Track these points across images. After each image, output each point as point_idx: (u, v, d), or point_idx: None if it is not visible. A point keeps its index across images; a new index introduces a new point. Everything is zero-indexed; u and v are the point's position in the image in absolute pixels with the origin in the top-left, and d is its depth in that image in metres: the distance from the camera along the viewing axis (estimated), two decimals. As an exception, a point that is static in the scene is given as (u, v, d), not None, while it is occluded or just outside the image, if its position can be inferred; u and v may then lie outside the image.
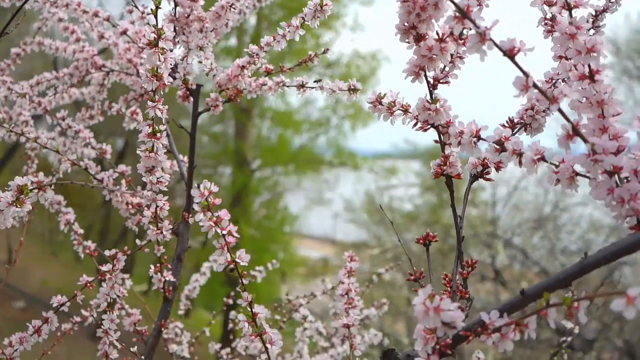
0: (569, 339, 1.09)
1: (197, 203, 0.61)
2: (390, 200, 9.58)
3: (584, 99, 0.55)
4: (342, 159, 11.74)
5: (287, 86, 0.98)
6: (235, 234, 0.63)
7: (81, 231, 1.09)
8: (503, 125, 0.69)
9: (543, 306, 0.48)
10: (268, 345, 0.64)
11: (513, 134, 0.68)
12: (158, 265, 0.96)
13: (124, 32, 1.06)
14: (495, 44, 0.51)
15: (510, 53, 0.51)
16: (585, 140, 0.51)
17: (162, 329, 0.99)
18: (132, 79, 1.16)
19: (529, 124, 0.68)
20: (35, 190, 0.67)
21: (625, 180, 0.52)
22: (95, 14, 1.09)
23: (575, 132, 0.52)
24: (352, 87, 0.83)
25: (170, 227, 0.90)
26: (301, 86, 0.96)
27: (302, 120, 12.24)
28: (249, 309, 0.65)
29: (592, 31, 0.72)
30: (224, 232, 0.62)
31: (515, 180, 7.07)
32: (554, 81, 0.69)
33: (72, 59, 1.24)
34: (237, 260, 0.63)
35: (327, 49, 1.01)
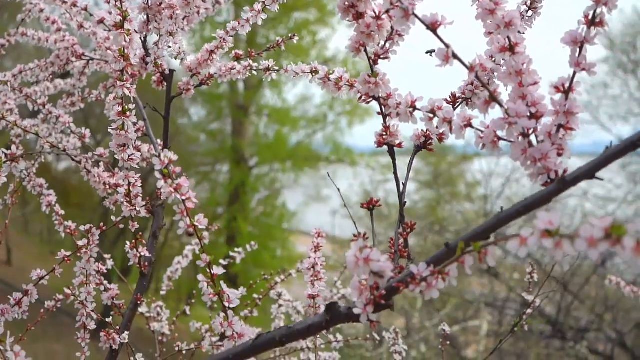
0: (529, 310, 1.14)
1: (157, 170, 0.66)
2: (386, 195, 9.62)
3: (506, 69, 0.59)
4: (339, 155, 11.78)
5: (255, 70, 1.03)
6: (195, 200, 0.68)
7: (62, 212, 1.14)
8: (445, 100, 0.74)
9: (460, 254, 0.53)
10: (226, 304, 0.69)
11: (454, 108, 0.73)
12: (134, 241, 1.01)
13: (101, 21, 1.10)
14: (419, 18, 0.56)
15: (433, 27, 0.56)
16: (501, 106, 0.56)
17: (139, 303, 1.04)
18: (111, 67, 1.21)
19: (469, 98, 0.73)
20: (9, 162, 0.72)
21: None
22: (74, 4, 1.14)
23: (492, 98, 0.57)
24: (313, 69, 0.88)
25: (144, 204, 0.95)
26: (267, 69, 1.01)
27: (299, 117, 12.28)
28: (208, 270, 0.70)
29: (530, 12, 0.77)
30: (184, 197, 0.67)
31: (509, 172, 7.13)
32: (493, 58, 0.74)
33: (54, 49, 1.29)
34: (195, 224, 0.68)
35: (294, 35, 1.06)
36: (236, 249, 1.46)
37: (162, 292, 1.47)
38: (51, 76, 1.25)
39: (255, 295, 1.35)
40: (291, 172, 12.34)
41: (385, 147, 0.74)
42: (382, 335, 1.31)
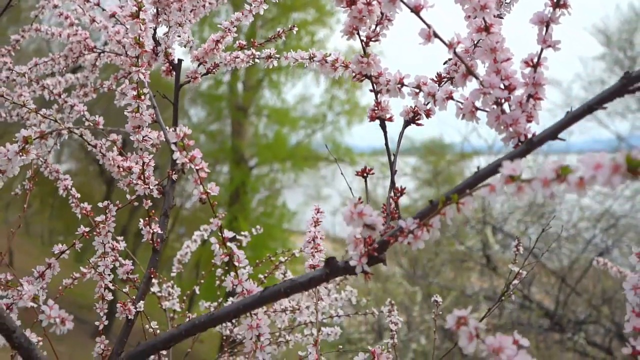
0: (516, 281, 1.22)
1: (173, 143, 0.73)
2: (385, 192, 9.67)
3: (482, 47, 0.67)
4: (339, 155, 11.85)
5: (258, 58, 1.10)
6: (207, 169, 0.75)
7: (78, 195, 1.22)
8: (432, 79, 0.81)
9: (441, 207, 0.60)
10: (236, 263, 0.77)
11: (440, 86, 0.81)
12: (147, 219, 1.09)
13: (113, 15, 1.18)
14: (404, 2, 0.63)
15: (416, 9, 0.64)
16: (477, 78, 0.64)
17: (152, 277, 1.12)
18: (121, 59, 1.29)
19: (453, 77, 0.81)
20: (38, 139, 0.79)
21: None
22: (86, 0, 1.22)
23: (469, 72, 0.64)
24: (312, 55, 0.96)
25: (156, 182, 1.03)
26: (269, 57, 1.08)
27: (298, 117, 12.35)
28: (220, 234, 0.78)
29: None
30: (197, 167, 0.75)
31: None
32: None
33: (66, 42, 1.36)
34: (208, 191, 0.76)
35: (294, 26, 1.13)
36: (242, 232, 1.53)
37: (172, 274, 1.54)
38: (64, 69, 1.33)
39: (260, 275, 1.42)
40: (291, 172, 12.41)
41: (383, 144, 0.82)
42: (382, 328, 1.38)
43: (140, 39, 0.85)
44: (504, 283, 1.29)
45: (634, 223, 7.89)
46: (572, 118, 0.59)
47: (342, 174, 1.00)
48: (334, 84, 11.82)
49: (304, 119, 12.34)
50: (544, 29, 0.65)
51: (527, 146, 0.60)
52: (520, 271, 1.18)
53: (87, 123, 1.21)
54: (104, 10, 1.22)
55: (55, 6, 1.33)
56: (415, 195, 10.38)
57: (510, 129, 0.63)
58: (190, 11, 1.10)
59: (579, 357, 6.16)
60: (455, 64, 0.81)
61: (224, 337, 1.51)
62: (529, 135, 0.63)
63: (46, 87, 1.25)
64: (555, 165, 0.46)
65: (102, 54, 1.32)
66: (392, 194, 0.76)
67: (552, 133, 0.60)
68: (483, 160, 8.55)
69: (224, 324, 1.60)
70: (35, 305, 0.76)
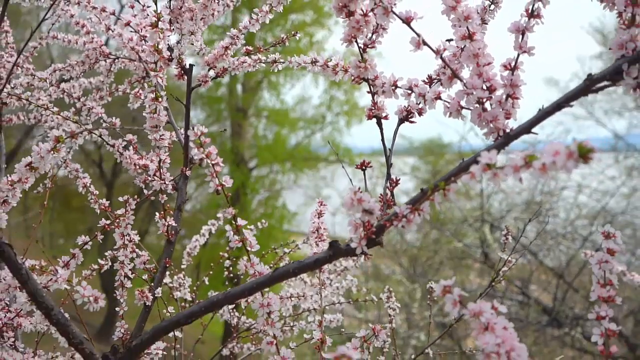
0: (505, 268, 1.30)
1: (192, 141, 0.82)
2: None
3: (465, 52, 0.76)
4: (338, 155, 11.93)
5: (264, 63, 1.19)
6: (221, 164, 0.84)
7: (96, 192, 1.31)
8: (423, 81, 0.90)
9: (430, 193, 0.69)
10: (248, 248, 0.86)
11: (430, 87, 0.89)
12: (162, 212, 1.18)
13: (127, 24, 1.27)
14: (396, 14, 0.72)
15: (407, 20, 0.73)
16: (461, 80, 0.73)
17: (167, 266, 1.20)
18: (134, 64, 1.38)
19: (441, 79, 0.89)
20: (69, 139, 0.88)
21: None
22: (103, 10, 1.31)
23: (454, 75, 0.73)
24: (314, 60, 1.05)
25: (172, 178, 1.12)
26: (274, 62, 1.17)
27: (297, 118, 12.44)
28: (233, 222, 0.86)
29: (492, 6, 0.94)
30: (213, 162, 0.84)
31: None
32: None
33: (82, 49, 1.45)
34: (223, 183, 0.84)
35: (296, 32, 1.22)
36: (248, 226, 1.61)
37: (182, 266, 1.63)
38: (81, 74, 1.42)
39: (265, 266, 1.51)
40: (291, 172, 12.49)
41: (382, 147, 0.91)
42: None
43: (159, 46, 0.94)
44: (503, 280, 1.37)
45: (630, 220, 7.98)
46: (544, 114, 0.68)
47: (344, 168, 1.08)
48: (332, 85, 11.91)
49: (303, 120, 12.43)
50: (520, 36, 0.74)
51: (504, 139, 0.69)
52: (510, 259, 1.27)
53: (104, 124, 1.30)
54: (119, 19, 1.30)
55: (72, 15, 1.42)
56: (414, 195, 10.43)
57: (491, 125, 0.72)
58: (201, 19, 1.19)
59: (577, 352, 6.25)
60: (444, 68, 0.90)
61: (232, 326, 1.60)
62: (508, 131, 0.72)
63: (66, 90, 1.34)
64: (524, 154, 0.55)
65: (116, 60, 1.41)
66: (388, 184, 0.85)
67: (526, 128, 0.69)
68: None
69: (231, 315, 1.69)
70: (68, 287, 0.85)
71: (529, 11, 0.74)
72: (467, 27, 0.75)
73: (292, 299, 1.30)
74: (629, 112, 9.14)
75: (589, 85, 0.66)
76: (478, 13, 0.83)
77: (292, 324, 1.45)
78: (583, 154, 0.50)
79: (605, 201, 7.94)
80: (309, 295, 1.32)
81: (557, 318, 6.28)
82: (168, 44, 1.19)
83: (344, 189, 11.75)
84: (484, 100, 0.73)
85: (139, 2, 1.17)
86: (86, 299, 0.81)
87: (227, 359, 1.67)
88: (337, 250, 0.79)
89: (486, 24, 0.91)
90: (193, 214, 11.12)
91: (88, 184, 1.32)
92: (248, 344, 1.54)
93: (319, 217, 1.17)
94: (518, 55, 0.74)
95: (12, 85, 1.41)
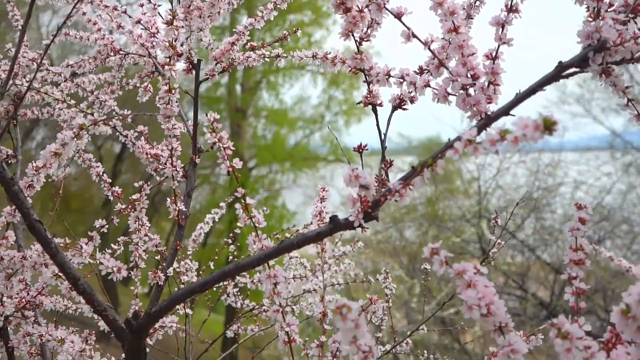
0: (494, 250, 1.39)
1: (205, 126, 0.90)
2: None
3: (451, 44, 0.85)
4: (337, 155, 12.02)
5: (267, 57, 1.28)
6: (232, 148, 0.92)
7: (109, 180, 1.39)
8: (415, 71, 0.98)
9: (420, 169, 0.77)
10: (257, 224, 0.94)
11: (421, 76, 0.98)
12: (173, 197, 1.26)
13: (138, 22, 1.35)
14: (388, 10, 0.81)
15: (399, 16, 0.81)
16: (447, 69, 0.81)
17: (177, 248, 1.29)
18: (144, 60, 1.46)
19: (430, 68, 0.98)
20: (92, 125, 0.96)
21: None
22: (115, 8, 1.39)
23: (440, 64, 0.82)
24: (314, 54, 1.13)
25: (182, 165, 1.20)
26: (277, 56, 1.25)
27: (296, 118, 12.53)
28: (243, 201, 0.95)
29: (477, 2, 1.02)
30: (225, 146, 0.92)
31: (499, 163, 7.39)
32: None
33: (93, 46, 1.53)
34: (233, 165, 0.93)
35: (297, 29, 1.31)
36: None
37: (188, 252, 1.71)
38: (93, 69, 1.50)
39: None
40: (290, 172, 12.57)
41: (377, 131, 0.99)
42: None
43: (173, 42, 1.02)
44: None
45: (627, 217, 8.08)
46: (520, 98, 0.76)
47: (348, 161, 1.16)
48: (331, 85, 11.99)
49: (302, 120, 12.52)
50: (500, 29, 0.82)
51: (485, 121, 0.77)
52: (499, 241, 1.35)
53: (116, 116, 1.38)
54: (130, 17, 1.38)
55: (84, 13, 1.50)
56: (415, 193, 10.54)
57: (474, 109, 0.80)
58: (208, 16, 1.27)
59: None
60: (432, 58, 0.98)
61: (236, 309, 1.68)
62: (489, 113, 0.80)
63: (80, 84, 1.42)
64: (499, 130, 0.63)
65: (126, 56, 1.49)
66: (383, 165, 0.93)
67: (505, 111, 0.77)
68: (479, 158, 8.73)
69: (235, 299, 1.78)
70: (92, 261, 0.93)
71: (508, 6, 0.82)
72: (453, 22, 0.83)
73: (295, 279, 1.38)
74: (626, 109, 9.21)
75: (560, 72, 0.74)
76: (464, 9, 0.91)
77: (293, 306, 1.53)
78: (548, 126, 0.58)
79: (601, 197, 8.03)
80: (310, 276, 1.40)
81: (554, 312, 6.37)
82: (182, 35, 1.28)
83: (343, 187, 11.79)
84: (468, 86, 0.81)
85: (150, 1, 1.25)
86: (110, 269, 0.89)
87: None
88: (337, 223, 0.87)
89: (472, 18, 1.00)
90: (192, 214, 11.19)
91: (101, 173, 1.40)
92: (252, 325, 1.62)
93: (321, 202, 1.25)
94: (498, 46, 0.82)
95: (27, 80, 1.50)
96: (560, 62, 0.74)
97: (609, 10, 0.76)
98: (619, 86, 0.76)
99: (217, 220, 1.78)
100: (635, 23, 0.76)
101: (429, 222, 8.09)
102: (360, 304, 1.05)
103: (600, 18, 0.74)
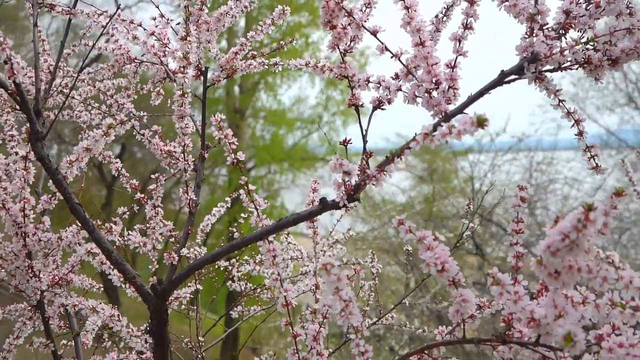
0: (468, 232, 1.57)
1: (213, 125, 1.08)
2: (378, 187, 10.00)
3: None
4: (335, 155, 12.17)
5: (267, 65, 1.46)
6: (236, 143, 1.10)
7: (127, 174, 1.57)
8: (391, 77, 1.16)
9: (391, 158, 0.95)
10: (258, 207, 1.12)
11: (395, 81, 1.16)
12: (185, 188, 1.44)
13: (152, 34, 1.53)
14: (365, 28, 0.99)
15: (374, 32, 0.99)
16: (413, 76, 1.00)
17: (189, 233, 1.47)
18: (157, 67, 1.64)
19: (401, 77, 1.16)
20: (119, 125, 1.14)
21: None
22: (131, 22, 1.57)
23: (408, 72, 1.00)
24: (307, 62, 1.31)
25: (194, 159, 1.38)
26: (275, 64, 1.44)
27: (294, 119, 12.69)
28: (246, 187, 1.13)
29: (444, 17, 1.20)
30: (230, 141, 1.10)
31: (491, 160, 7.58)
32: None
33: (111, 55, 1.71)
34: (238, 157, 1.11)
35: (293, 39, 1.49)
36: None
37: (197, 240, 1.89)
38: (112, 76, 1.68)
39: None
40: (288, 172, 12.74)
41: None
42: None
43: (187, 54, 1.20)
44: (466, 242, 1.63)
45: (620, 214, 8.27)
46: (471, 100, 0.95)
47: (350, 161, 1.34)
48: (329, 85, 12.17)
49: (300, 120, 12.69)
50: (457, 43, 1.00)
51: (444, 118, 0.96)
52: (472, 225, 1.53)
53: (133, 118, 1.56)
54: (145, 29, 1.57)
55: (103, 27, 1.68)
56: (413, 193, 10.73)
57: (436, 109, 0.99)
58: (214, 30, 1.46)
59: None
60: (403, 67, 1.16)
61: (239, 292, 1.86)
62: (449, 112, 0.98)
63: (101, 89, 1.60)
64: (448, 125, 0.82)
65: (141, 64, 1.67)
66: (364, 155, 1.11)
67: (459, 110, 0.95)
68: (472, 157, 8.94)
69: (237, 283, 1.96)
70: (121, 240, 1.11)
71: (464, 24, 1.00)
72: (419, 37, 1.01)
73: (292, 260, 1.56)
74: (620, 107, 9.42)
75: (502, 78, 0.93)
76: (433, 23, 1.10)
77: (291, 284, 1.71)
78: (480, 122, 0.76)
79: (594, 194, 8.22)
80: (305, 257, 1.58)
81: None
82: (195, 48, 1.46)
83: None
84: (431, 90, 1.00)
85: (163, 16, 1.43)
86: (137, 244, 1.07)
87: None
88: (325, 204, 1.05)
89: (439, 31, 1.18)
90: (193, 213, 11.37)
91: (120, 168, 1.58)
92: (254, 306, 1.80)
93: (313, 193, 1.43)
94: (456, 57, 1.00)
95: (53, 85, 1.68)
96: (502, 71, 0.93)
97: (545, 27, 0.95)
98: (551, 89, 0.94)
99: (222, 213, 1.95)
100: (565, 38, 0.95)
101: (425, 219, 8.28)
102: (346, 273, 1.23)
103: (534, 35, 0.92)
